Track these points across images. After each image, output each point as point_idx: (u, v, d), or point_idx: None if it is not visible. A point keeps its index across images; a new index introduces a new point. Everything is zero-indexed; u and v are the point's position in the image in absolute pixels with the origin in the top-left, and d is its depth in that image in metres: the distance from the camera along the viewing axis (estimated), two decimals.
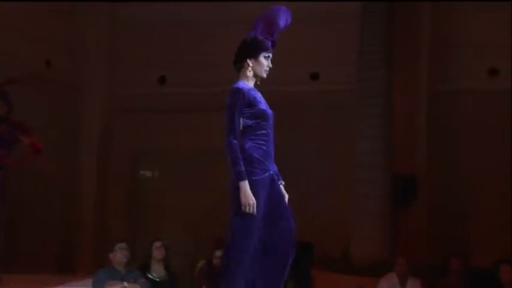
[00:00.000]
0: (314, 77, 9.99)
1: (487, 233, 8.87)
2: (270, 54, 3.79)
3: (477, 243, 8.80)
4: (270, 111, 3.79)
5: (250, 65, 3.77)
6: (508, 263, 6.49)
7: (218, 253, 7.25)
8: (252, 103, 3.72)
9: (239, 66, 3.82)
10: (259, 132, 3.73)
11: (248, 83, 3.78)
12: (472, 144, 9.40)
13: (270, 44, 3.80)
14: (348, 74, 9.16)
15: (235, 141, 3.64)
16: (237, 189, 3.59)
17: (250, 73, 3.78)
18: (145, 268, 6.64)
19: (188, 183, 10.13)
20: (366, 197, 8.31)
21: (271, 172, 3.75)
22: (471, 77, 9.46)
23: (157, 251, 6.99)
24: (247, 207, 3.55)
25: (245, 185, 3.57)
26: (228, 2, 10.09)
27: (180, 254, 8.42)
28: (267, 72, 3.81)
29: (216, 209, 9.70)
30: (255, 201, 3.56)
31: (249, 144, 3.69)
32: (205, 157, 10.00)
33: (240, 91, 3.71)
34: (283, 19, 3.87)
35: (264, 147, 3.72)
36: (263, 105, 3.77)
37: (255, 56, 3.76)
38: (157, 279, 6.57)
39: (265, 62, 3.78)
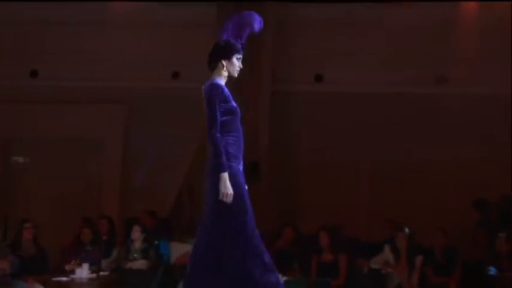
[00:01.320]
0: (174, 75, 9.89)
1: (314, 207, 9.33)
2: (241, 56, 3.70)
3: (306, 215, 9.18)
4: (239, 109, 3.66)
5: (224, 65, 3.65)
6: (325, 230, 6.81)
7: (86, 230, 7.10)
8: (226, 99, 3.60)
9: (213, 66, 3.68)
10: (232, 127, 3.62)
11: (221, 81, 3.65)
12: (304, 136, 9.81)
13: (240, 46, 3.70)
14: (206, 74, 9.17)
15: (218, 135, 3.50)
16: (213, 181, 3.44)
17: (224, 73, 3.66)
18: (15, 246, 6.32)
19: (57, 169, 9.68)
20: None
21: (241, 166, 3.63)
22: (302, 80, 9.82)
23: (27, 231, 6.70)
24: (225, 197, 3.40)
25: (225, 176, 3.42)
26: (94, 2, 9.72)
27: (49, 233, 8.06)
28: (238, 72, 3.71)
29: (82, 193, 9.48)
30: (232, 192, 3.40)
31: (225, 140, 3.55)
32: (74, 146, 9.68)
33: (218, 86, 3.58)
34: (258, 24, 3.78)
35: (238, 143, 3.62)
36: (234, 102, 3.64)
37: (229, 57, 3.66)
38: (25, 256, 6.27)
39: (237, 63, 3.69)
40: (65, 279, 6.21)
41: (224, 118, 3.58)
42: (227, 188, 3.41)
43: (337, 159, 9.75)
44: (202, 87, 3.66)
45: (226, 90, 3.63)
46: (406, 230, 6.62)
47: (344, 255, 6.63)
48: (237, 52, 3.69)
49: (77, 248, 7.00)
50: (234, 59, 3.68)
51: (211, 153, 3.51)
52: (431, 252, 6.82)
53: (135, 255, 6.73)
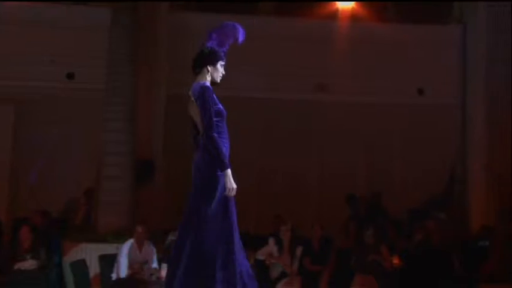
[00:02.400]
0: (70, 76, 9.57)
1: None
2: (224, 63, 3.69)
3: None
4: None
5: (209, 70, 3.63)
6: None
7: None
8: (215, 101, 3.57)
9: (198, 71, 3.65)
10: (221, 129, 3.58)
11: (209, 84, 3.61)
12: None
13: (223, 54, 3.68)
14: (100, 76, 8.97)
15: (216, 135, 3.49)
16: (211, 180, 3.50)
17: (209, 78, 3.64)
18: None
19: None
20: (112, 178, 8.24)
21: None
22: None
23: None
24: (231, 191, 3.49)
25: (229, 173, 3.51)
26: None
27: None
28: (220, 77, 3.69)
29: None
30: (236, 187, 3.51)
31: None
32: None
33: (209, 89, 3.56)
34: (242, 35, 3.77)
35: (226, 144, 3.60)
36: (221, 104, 3.60)
37: (213, 64, 3.65)
38: None
39: (220, 69, 3.67)
40: None
41: (215, 119, 3.58)
42: (232, 183, 3.53)
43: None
44: (190, 90, 3.66)
45: (213, 93, 3.65)
46: (289, 224, 6.89)
47: None
48: (221, 59, 3.74)
49: None
50: (218, 65, 3.72)
51: (203, 155, 3.56)
52: (309, 243, 7.16)
53: (25, 256, 6.42)
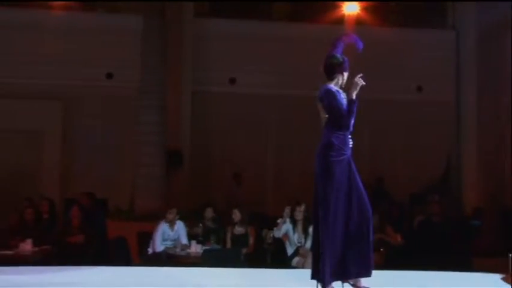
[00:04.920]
0: (109, 76, 9.69)
1: (226, 188, 9.49)
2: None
3: (220, 195, 9.27)
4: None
5: (339, 78, 3.65)
6: (237, 208, 6.78)
7: (29, 210, 6.81)
8: (341, 102, 3.58)
9: (334, 77, 3.64)
10: (340, 126, 3.56)
11: (334, 88, 3.62)
12: (219, 129, 9.91)
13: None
14: (135, 76, 9.08)
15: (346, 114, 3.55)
16: (325, 171, 3.44)
17: (340, 82, 3.65)
18: None
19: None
20: (147, 165, 8.34)
21: (347, 156, 3.55)
22: (217, 82, 9.92)
23: None
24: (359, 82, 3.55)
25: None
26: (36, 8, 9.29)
27: None
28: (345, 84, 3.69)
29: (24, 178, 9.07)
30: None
31: (334, 134, 3.54)
32: (17, 136, 9.25)
33: (332, 91, 3.57)
34: (361, 44, 3.74)
35: (344, 139, 3.55)
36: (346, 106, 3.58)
37: (346, 71, 3.66)
38: None
39: (345, 77, 3.68)
40: (10, 252, 5.97)
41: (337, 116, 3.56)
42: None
43: (246, 150, 9.97)
44: (318, 91, 3.64)
45: (340, 95, 3.63)
46: (303, 205, 6.92)
47: (252, 228, 6.83)
48: (347, 70, 3.73)
49: (21, 226, 6.70)
50: (346, 74, 3.71)
51: (320, 146, 3.54)
52: None
53: (74, 231, 6.57)
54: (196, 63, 9.83)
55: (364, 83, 3.59)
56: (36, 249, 6.10)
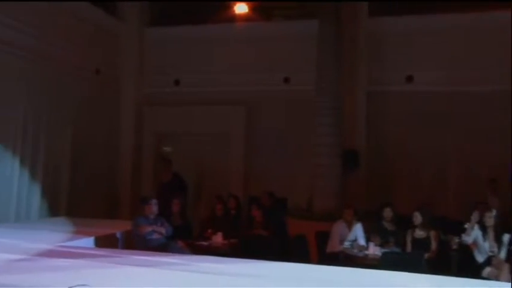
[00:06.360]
0: (286, 80, 9.95)
1: (404, 189, 9.00)
2: None
3: (397, 196, 8.87)
4: None
5: None
6: (418, 210, 6.33)
7: (219, 206, 7.32)
8: None
9: None
10: None
11: None
12: (395, 130, 9.48)
13: None
14: (310, 78, 9.15)
15: None
16: None
17: None
18: (167, 217, 6.67)
19: (194, 158, 10.11)
20: (324, 166, 8.33)
21: None
22: (394, 81, 9.48)
23: (175, 206, 7.01)
24: None
25: None
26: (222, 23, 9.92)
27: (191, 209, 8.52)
28: None
29: (215, 177, 9.73)
30: None
31: None
32: (207, 139, 10.03)
33: None
34: None
35: None
36: None
37: None
38: (175, 225, 6.61)
39: None
40: (204, 243, 6.50)
41: None
42: None
43: (425, 149, 9.32)
44: None
45: None
46: (494, 211, 6.16)
47: (435, 231, 6.32)
48: None
49: (212, 220, 7.22)
50: None
51: None
52: None
53: (257, 226, 6.88)
54: (371, 63, 9.53)
55: None
56: (226, 241, 6.53)
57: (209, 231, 6.79)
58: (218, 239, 6.55)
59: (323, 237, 6.62)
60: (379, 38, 9.56)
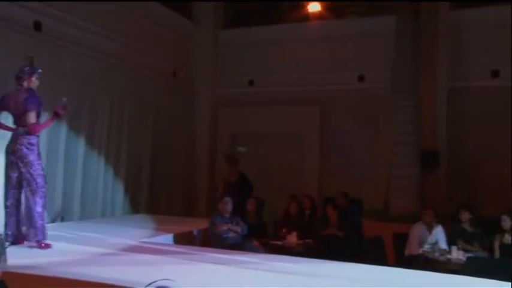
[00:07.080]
0: (360, 78, 9.69)
1: (489, 190, 8.44)
2: None
3: (481, 198, 8.34)
4: None
5: None
6: (507, 214, 5.90)
7: (293, 205, 7.25)
8: None
9: None
10: None
11: None
12: (478, 128, 8.90)
13: None
14: (386, 76, 8.85)
15: None
16: None
17: None
18: (243, 216, 6.71)
19: (270, 157, 10.14)
20: (402, 166, 8.03)
21: None
22: (478, 77, 8.90)
23: (250, 205, 7.04)
24: None
25: None
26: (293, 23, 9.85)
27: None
28: None
29: (289, 176, 9.68)
30: None
31: None
32: (282, 139, 9.99)
33: None
34: None
35: None
36: None
37: None
38: (250, 224, 6.62)
39: None
40: (279, 243, 6.47)
41: None
42: None
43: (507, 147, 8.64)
44: None
45: None
46: None
47: None
48: None
49: (287, 220, 7.18)
50: None
51: None
52: None
53: (333, 226, 6.75)
54: (453, 58, 9.03)
55: None
56: (301, 241, 6.46)
57: (284, 230, 6.75)
58: (293, 238, 6.50)
59: (401, 239, 6.36)
60: (461, 31, 9.03)
